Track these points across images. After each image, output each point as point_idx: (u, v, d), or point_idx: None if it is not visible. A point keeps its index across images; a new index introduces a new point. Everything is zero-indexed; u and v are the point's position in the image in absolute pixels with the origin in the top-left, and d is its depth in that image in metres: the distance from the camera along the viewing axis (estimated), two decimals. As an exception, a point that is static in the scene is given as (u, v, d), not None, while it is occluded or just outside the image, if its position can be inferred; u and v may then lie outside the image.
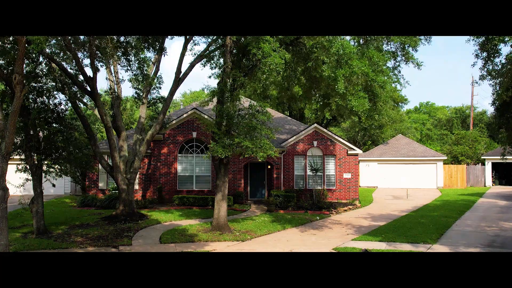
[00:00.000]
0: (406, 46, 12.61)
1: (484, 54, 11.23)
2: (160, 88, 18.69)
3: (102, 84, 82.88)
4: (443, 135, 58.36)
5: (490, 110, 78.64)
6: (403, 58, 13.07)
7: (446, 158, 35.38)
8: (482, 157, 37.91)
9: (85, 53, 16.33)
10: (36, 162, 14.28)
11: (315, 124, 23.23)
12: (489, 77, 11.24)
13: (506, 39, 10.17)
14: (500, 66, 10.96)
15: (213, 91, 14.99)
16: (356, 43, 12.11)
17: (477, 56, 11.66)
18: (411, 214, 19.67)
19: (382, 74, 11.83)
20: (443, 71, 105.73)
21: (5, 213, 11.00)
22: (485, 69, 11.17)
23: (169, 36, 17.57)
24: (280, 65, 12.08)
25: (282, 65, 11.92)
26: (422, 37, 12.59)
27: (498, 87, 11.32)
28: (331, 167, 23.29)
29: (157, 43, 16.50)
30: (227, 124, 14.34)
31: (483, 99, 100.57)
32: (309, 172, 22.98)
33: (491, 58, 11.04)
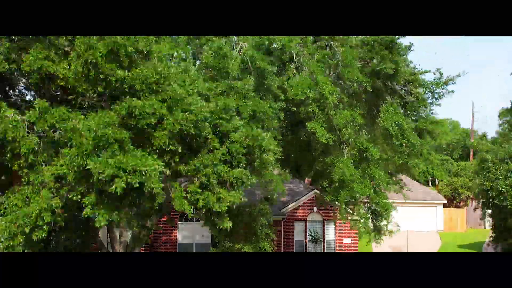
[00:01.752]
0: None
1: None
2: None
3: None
4: (443, 160, 58.62)
5: (491, 133, 79.27)
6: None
7: (445, 201, 35.77)
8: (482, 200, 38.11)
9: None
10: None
11: (315, 190, 23.35)
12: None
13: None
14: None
15: None
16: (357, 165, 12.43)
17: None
18: None
19: (383, 194, 12.17)
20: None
21: None
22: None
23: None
24: (276, 164, 12.40)
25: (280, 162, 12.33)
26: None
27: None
28: (331, 231, 23.40)
29: None
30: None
31: (483, 124, 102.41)
32: (309, 237, 23.11)
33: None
